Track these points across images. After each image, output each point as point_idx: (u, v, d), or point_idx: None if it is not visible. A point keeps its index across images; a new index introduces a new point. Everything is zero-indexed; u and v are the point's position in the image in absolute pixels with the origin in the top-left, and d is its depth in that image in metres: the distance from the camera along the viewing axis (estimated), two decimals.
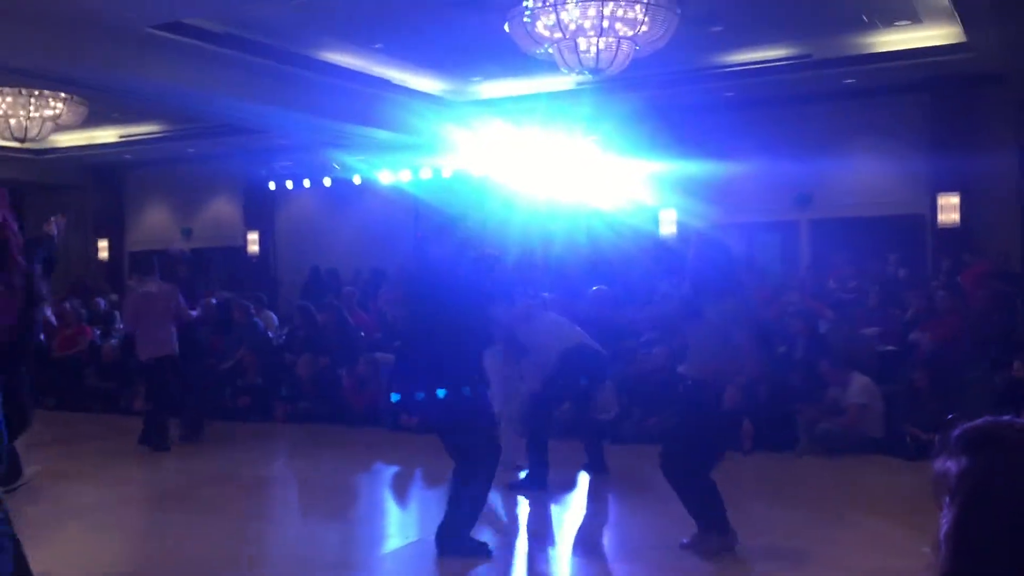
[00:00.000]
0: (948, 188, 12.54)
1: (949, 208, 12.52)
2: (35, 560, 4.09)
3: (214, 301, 11.78)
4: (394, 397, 5.17)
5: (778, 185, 13.28)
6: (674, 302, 5.69)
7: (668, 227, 14.03)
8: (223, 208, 18.02)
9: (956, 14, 9.77)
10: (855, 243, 12.52)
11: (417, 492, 7.56)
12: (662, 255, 8.71)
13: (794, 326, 8.80)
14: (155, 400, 8.80)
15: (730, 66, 12.03)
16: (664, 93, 12.68)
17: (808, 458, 7.62)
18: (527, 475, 6.83)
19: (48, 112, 12.44)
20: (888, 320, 9.42)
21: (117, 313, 13.24)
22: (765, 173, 13.17)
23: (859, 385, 7.72)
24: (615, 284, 7.37)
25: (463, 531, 5.03)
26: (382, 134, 13.72)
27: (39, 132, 12.61)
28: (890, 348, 8.87)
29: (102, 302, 13.69)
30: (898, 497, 6.59)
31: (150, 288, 8.80)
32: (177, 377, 8.82)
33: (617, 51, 9.76)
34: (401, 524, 6.55)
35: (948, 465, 1.38)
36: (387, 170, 15.41)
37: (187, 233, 18.13)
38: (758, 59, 11.77)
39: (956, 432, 1.39)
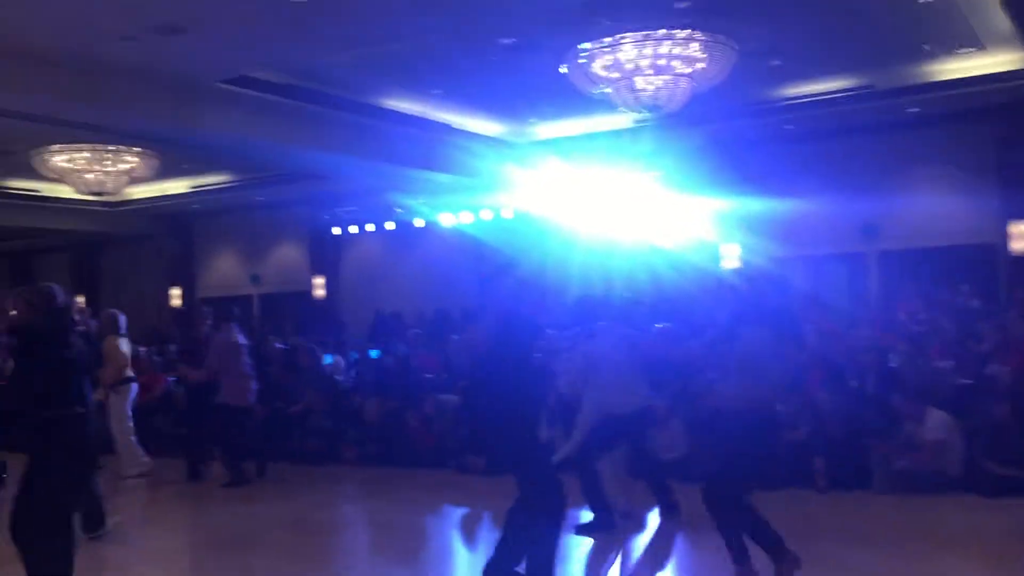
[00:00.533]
0: (1020, 216, 12.24)
1: (1021, 236, 12.20)
2: None
3: (279, 345, 12.06)
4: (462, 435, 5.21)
5: (844, 217, 13.10)
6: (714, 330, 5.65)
7: (731, 262, 13.90)
8: (290, 254, 18.40)
9: (1020, 40, 9.61)
10: (925, 274, 12.27)
11: (485, 535, 7.53)
12: (723, 291, 8.62)
13: (865, 360, 8.62)
14: (227, 443, 9.08)
15: (790, 99, 11.97)
16: (724, 127, 12.66)
17: (884, 496, 7.42)
18: (593, 518, 6.77)
19: (123, 166, 12.89)
20: (963, 353, 9.16)
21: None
22: (830, 205, 13.01)
23: (936, 420, 7.50)
24: (678, 322, 7.27)
25: (506, 567, 4.93)
26: (443, 177, 13.91)
27: (114, 186, 13.06)
28: (967, 381, 8.62)
29: (174, 349, 14.01)
30: (980, 537, 6.37)
31: (236, 337, 9.11)
32: (251, 423, 9.15)
33: (675, 88, 9.80)
34: (471, 567, 6.53)
35: None
36: (448, 212, 15.61)
37: (255, 279, 18.55)
38: (819, 91, 11.69)
39: None
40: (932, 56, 10.64)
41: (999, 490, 6.99)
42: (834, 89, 11.62)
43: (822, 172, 12.85)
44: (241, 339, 9.33)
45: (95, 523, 6.83)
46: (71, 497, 4.83)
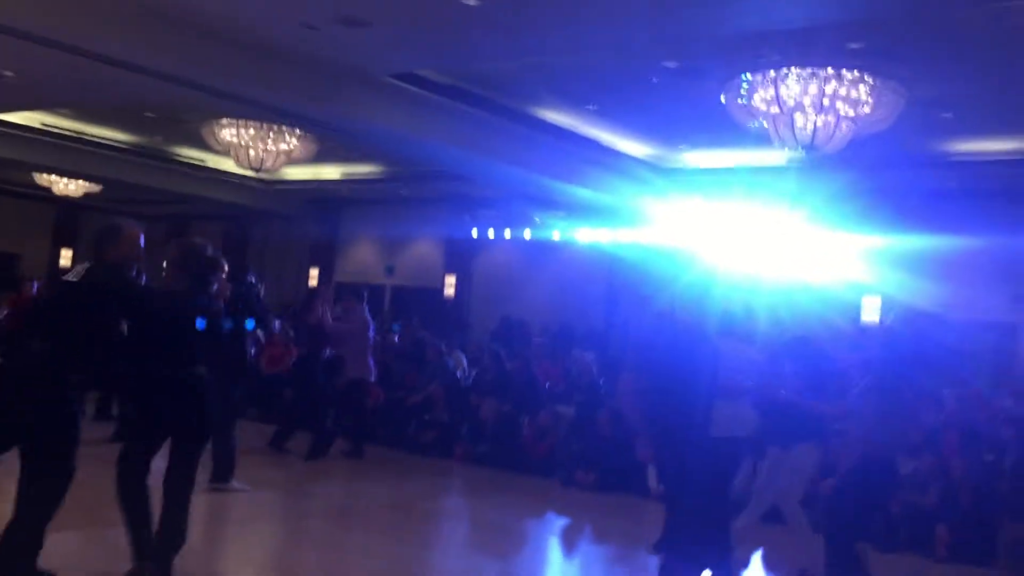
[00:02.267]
0: None
1: None
2: (228, 560, 4.39)
3: (396, 339, 12.57)
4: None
5: (998, 281, 12.50)
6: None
7: (871, 314, 13.46)
8: (425, 250, 18.82)
9: None
10: None
11: (584, 547, 7.55)
12: (874, 336, 8.35)
13: (1006, 432, 8.21)
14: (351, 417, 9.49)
15: (957, 155, 11.51)
16: (880, 175, 12.26)
17: None
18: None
19: (284, 147, 13.46)
20: None
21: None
22: (983, 268, 12.44)
23: None
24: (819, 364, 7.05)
25: None
26: (585, 193, 13.97)
27: (273, 164, 13.67)
28: None
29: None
30: None
31: (366, 317, 9.60)
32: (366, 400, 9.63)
33: (835, 130, 9.58)
34: (563, 574, 6.55)
35: None
36: (586, 228, 15.66)
37: (390, 270, 19.06)
38: (989, 150, 11.21)
39: None
40: None
41: None
42: (1006, 150, 11.12)
43: (980, 232, 12.29)
44: (370, 320, 9.75)
45: (223, 474, 7.23)
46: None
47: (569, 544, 7.58)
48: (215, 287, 5.19)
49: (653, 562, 6.58)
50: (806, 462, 6.39)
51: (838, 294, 12.68)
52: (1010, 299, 12.58)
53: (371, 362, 9.81)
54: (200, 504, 6.49)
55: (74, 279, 4.56)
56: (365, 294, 10.20)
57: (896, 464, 4.95)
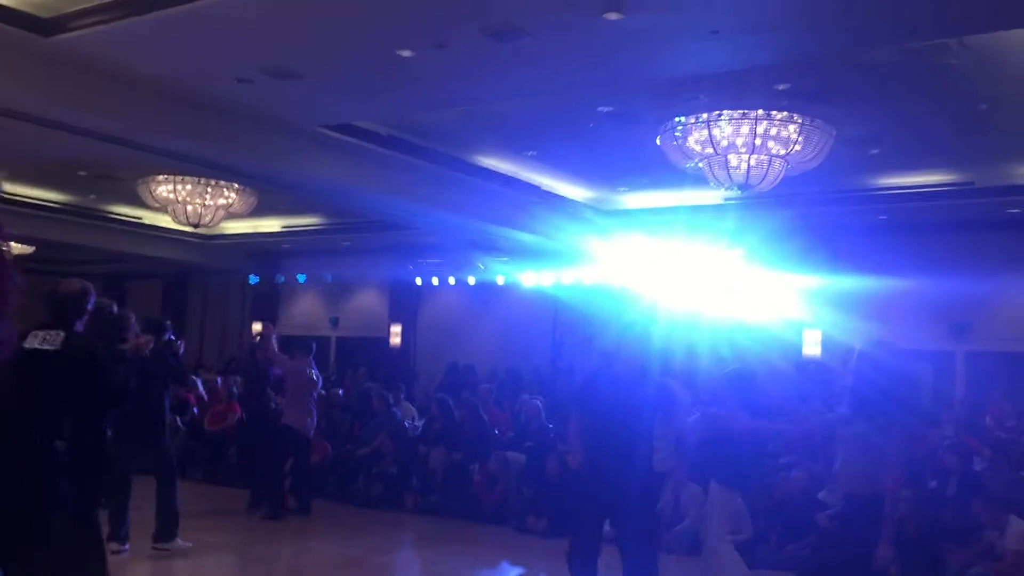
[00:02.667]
0: None
1: None
2: None
3: (340, 392, 12.51)
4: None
5: (933, 312, 12.81)
6: (821, 420, 5.56)
7: (812, 348, 13.67)
8: (370, 300, 18.71)
9: None
10: (1016, 379, 11.86)
11: None
12: (810, 374, 8.52)
13: (948, 462, 8.34)
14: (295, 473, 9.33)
15: (886, 189, 11.83)
16: (814, 211, 12.54)
17: None
18: None
19: (222, 201, 13.33)
20: None
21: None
22: (919, 299, 12.75)
23: (1018, 530, 7.18)
24: (759, 400, 7.16)
25: None
26: (527, 237, 14.05)
27: (212, 219, 13.51)
28: None
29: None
30: None
31: (311, 372, 9.55)
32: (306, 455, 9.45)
33: (768, 169, 9.78)
34: None
35: None
36: (530, 272, 15.73)
37: (335, 322, 18.90)
38: (916, 184, 11.54)
39: None
40: None
41: None
42: (932, 183, 11.45)
43: (913, 263, 12.61)
44: (315, 374, 9.61)
45: (167, 534, 7.06)
46: None
47: None
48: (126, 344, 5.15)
49: None
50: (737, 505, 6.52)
51: (778, 331, 12.87)
52: (947, 328, 12.88)
53: (311, 416, 9.61)
54: (144, 568, 6.29)
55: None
56: (313, 346, 10.09)
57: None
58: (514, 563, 8.23)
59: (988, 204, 11.64)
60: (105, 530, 6.86)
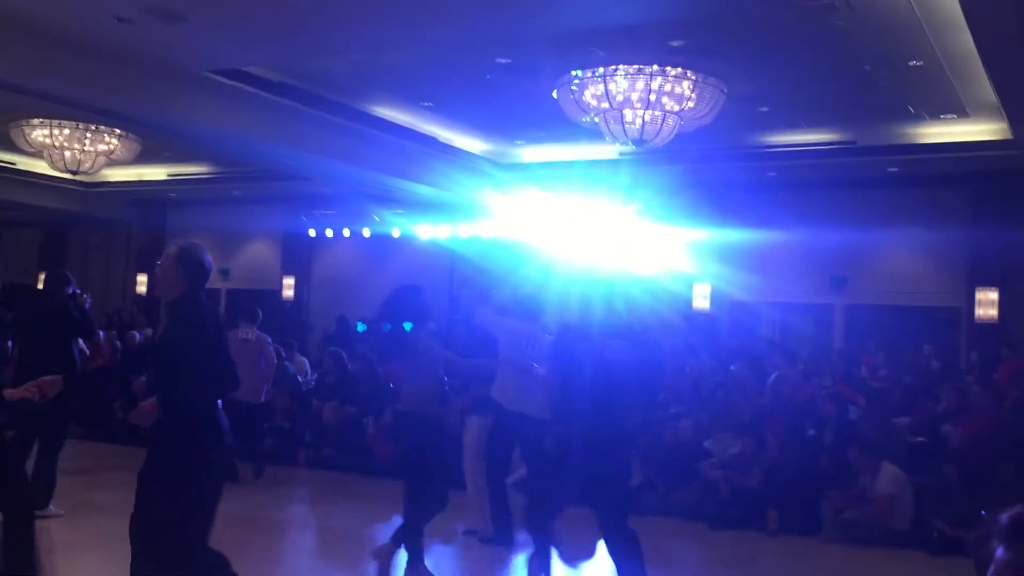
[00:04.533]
0: (987, 283, 12.48)
1: (987, 303, 12.44)
2: None
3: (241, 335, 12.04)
4: None
5: (814, 267, 13.29)
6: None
7: (701, 301, 14.03)
8: (262, 251, 18.29)
9: (1003, 111, 9.83)
10: (889, 331, 12.46)
11: (434, 548, 7.50)
12: (698, 327, 8.75)
13: (825, 410, 8.72)
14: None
15: (774, 147, 12.15)
16: (706, 167, 12.81)
17: (832, 545, 7.49)
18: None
19: (102, 147, 12.77)
20: (920, 411, 9.30)
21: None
22: (802, 254, 13.21)
23: (888, 475, 7.59)
24: (650, 352, 7.35)
25: None
26: (424, 190, 13.93)
27: (92, 166, 12.93)
28: (921, 440, 8.75)
29: (137, 335, 13.84)
30: None
31: (248, 335, 9.14)
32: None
33: (662, 125, 9.92)
34: None
35: (999, 550, 1.39)
36: (426, 225, 15.62)
37: (225, 273, 18.40)
38: (802, 142, 11.88)
39: (1009, 518, 1.40)
40: (916, 118, 10.86)
41: (944, 549, 7.08)
42: (818, 141, 11.81)
43: (798, 220, 13.04)
44: (251, 336, 9.25)
45: (42, 499, 6.79)
46: None
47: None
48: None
49: (496, 553, 6.67)
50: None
51: (669, 284, 13.16)
52: (827, 281, 13.39)
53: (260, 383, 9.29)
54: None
55: None
56: (258, 312, 9.64)
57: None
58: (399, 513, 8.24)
59: (870, 162, 12.08)
60: None
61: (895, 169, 12.32)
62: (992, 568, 1.46)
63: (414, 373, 5.65)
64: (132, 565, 3.93)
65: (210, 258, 4.21)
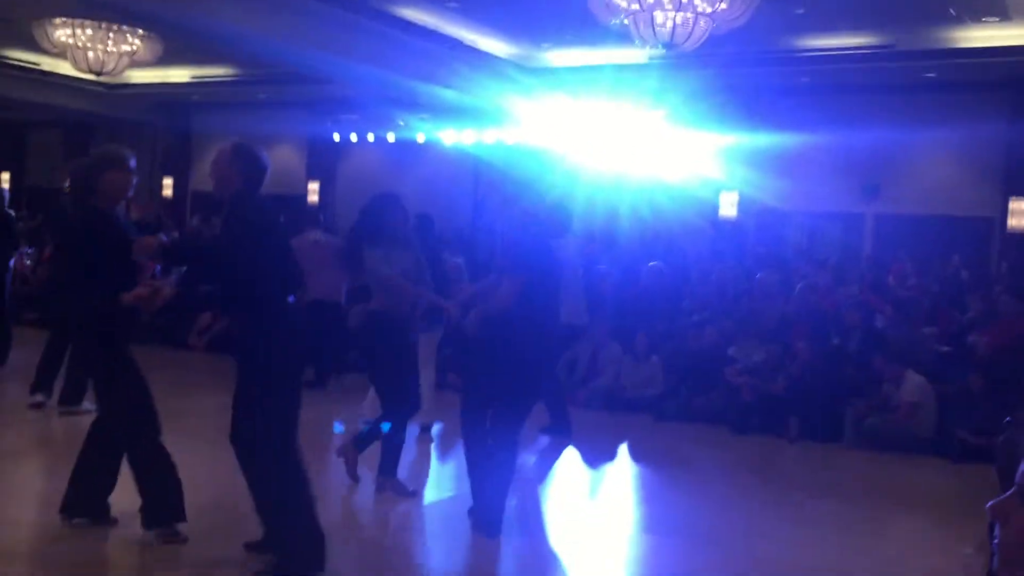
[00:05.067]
0: (1022, 192, 12.24)
1: (1020, 213, 12.22)
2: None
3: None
4: None
5: (846, 174, 13.08)
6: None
7: (728, 209, 13.89)
8: (287, 156, 18.21)
9: None
10: (919, 241, 12.31)
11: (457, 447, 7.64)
12: (725, 234, 8.67)
13: (851, 319, 8.69)
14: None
15: (808, 51, 11.82)
16: (737, 72, 12.50)
17: (853, 452, 7.56)
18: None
19: (125, 47, 12.63)
20: (947, 321, 9.26)
21: None
22: (833, 161, 12.99)
23: (913, 383, 7.61)
24: (676, 260, 7.34)
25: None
26: (448, 94, 13.72)
27: (115, 67, 12.81)
28: (947, 349, 8.73)
29: (164, 238, 13.94)
30: (935, 496, 6.55)
31: (317, 237, 9.32)
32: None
33: (694, 27, 9.64)
34: (440, 475, 6.64)
35: None
36: (451, 131, 15.46)
37: None
38: (838, 45, 11.55)
39: None
40: (957, 21, 10.50)
41: (965, 456, 7.12)
42: (854, 45, 11.47)
43: (830, 126, 12.77)
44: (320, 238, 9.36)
45: (75, 397, 6.95)
46: None
47: (443, 445, 7.66)
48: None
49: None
50: None
51: (696, 191, 13.02)
52: (858, 190, 13.19)
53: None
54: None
55: None
56: (320, 217, 9.75)
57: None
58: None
59: (907, 67, 11.75)
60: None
61: (932, 74, 11.97)
62: (1021, 469, 1.45)
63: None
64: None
65: (267, 156, 4.17)
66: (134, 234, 4.39)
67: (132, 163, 4.45)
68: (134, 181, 4.49)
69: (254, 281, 3.90)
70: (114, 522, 4.45)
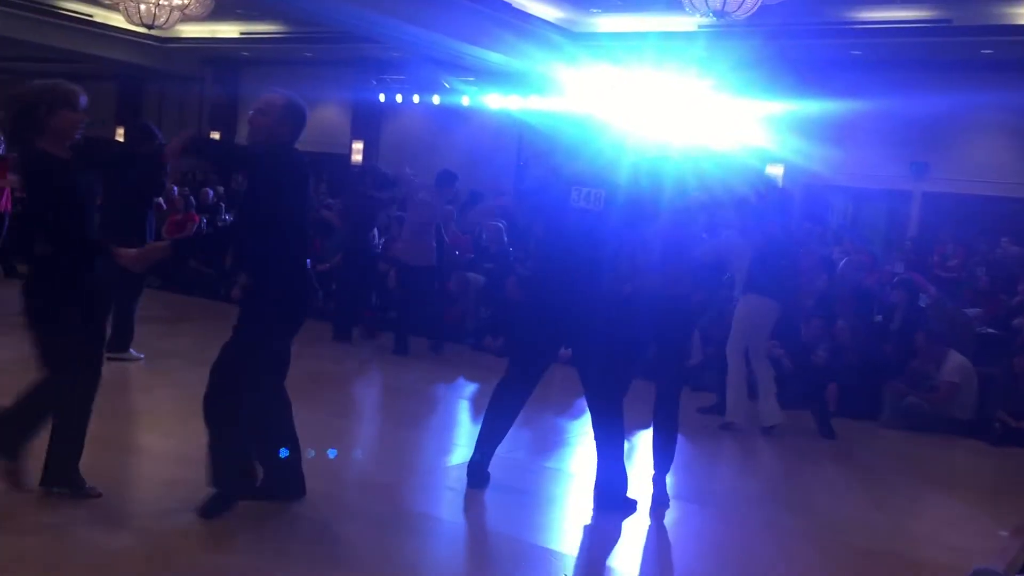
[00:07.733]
0: None
1: None
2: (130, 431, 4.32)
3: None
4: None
5: (895, 151, 12.88)
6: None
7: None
8: (332, 115, 18.30)
9: None
10: (967, 220, 12.11)
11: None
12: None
13: (894, 296, 8.60)
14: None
15: (862, 23, 11.61)
16: (787, 43, 12.32)
17: (890, 431, 7.51)
18: None
19: (177, 1, 12.73)
20: (993, 303, 9.13)
21: (223, 205, 13.71)
22: (883, 136, 12.79)
23: (954, 363, 7.53)
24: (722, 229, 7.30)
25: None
26: (495, 57, 13.68)
27: (167, 20, 12.92)
28: (991, 331, 8.62)
29: (211, 192, 14.13)
30: (971, 478, 6.51)
31: (426, 196, 9.29)
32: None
33: None
34: (470, 435, 6.70)
35: None
36: (496, 95, 15.41)
37: None
38: (893, 19, 11.33)
39: None
40: None
41: (1005, 439, 7.06)
42: (910, 18, 11.25)
43: (880, 101, 12.55)
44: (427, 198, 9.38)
45: (122, 343, 7.11)
46: None
47: (479, 408, 7.73)
48: None
49: (556, 423, 6.84)
50: None
51: (743, 161, 12.88)
52: (907, 166, 12.98)
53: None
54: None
55: None
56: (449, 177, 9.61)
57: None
58: (469, 379, 8.46)
59: (964, 43, 11.50)
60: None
61: (989, 51, 11.71)
62: None
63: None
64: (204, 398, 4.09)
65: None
66: (87, 183, 4.05)
67: (83, 101, 4.02)
68: (83, 123, 4.04)
69: (280, 232, 3.95)
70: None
